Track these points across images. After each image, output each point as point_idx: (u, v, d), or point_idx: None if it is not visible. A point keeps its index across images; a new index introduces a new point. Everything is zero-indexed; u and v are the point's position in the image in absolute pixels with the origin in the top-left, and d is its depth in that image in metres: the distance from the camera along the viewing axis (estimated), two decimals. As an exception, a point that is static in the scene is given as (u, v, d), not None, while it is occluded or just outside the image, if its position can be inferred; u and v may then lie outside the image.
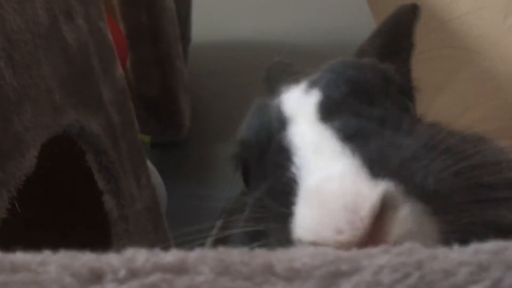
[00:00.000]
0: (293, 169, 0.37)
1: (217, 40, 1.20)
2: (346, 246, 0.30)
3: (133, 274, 0.18)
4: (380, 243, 0.29)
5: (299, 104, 0.42)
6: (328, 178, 0.34)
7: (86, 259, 0.19)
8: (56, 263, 0.18)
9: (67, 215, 0.70)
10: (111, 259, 0.19)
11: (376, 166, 0.33)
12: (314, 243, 0.32)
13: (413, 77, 0.53)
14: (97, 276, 0.18)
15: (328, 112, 0.39)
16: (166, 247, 0.59)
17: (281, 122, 0.41)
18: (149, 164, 0.84)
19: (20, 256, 0.19)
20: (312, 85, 0.43)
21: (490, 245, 0.18)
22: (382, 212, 0.31)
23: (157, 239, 0.79)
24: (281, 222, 0.35)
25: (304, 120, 0.40)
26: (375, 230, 0.31)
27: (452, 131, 0.39)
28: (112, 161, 0.64)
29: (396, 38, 0.52)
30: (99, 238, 0.67)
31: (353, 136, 0.36)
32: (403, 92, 0.45)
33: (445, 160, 0.34)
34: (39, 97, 0.48)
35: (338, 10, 1.21)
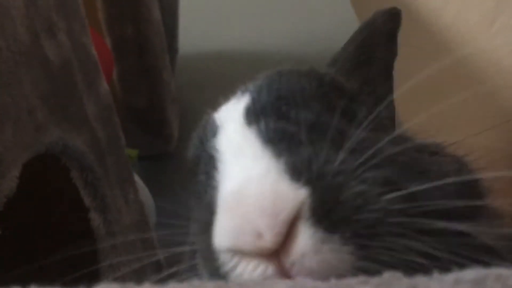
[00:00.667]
0: (216, 176, 0.35)
1: (204, 51, 1.20)
2: (265, 252, 0.30)
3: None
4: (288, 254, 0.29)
5: (229, 112, 0.41)
6: (246, 180, 0.33)
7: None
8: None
9: (52, 232, 0.69)
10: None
11: (296, 171, 0.32)
12: (233, 250, 0.31)
13: (392, 85, 0.51)
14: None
15: (254, 117, 0.38)
16: (155, 263, 0.58)
17: (213, 132, 0.40)
18: (136, 178, 0.83)
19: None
20: (243, 93, 0.41)
21: (470, 274, 0.18)
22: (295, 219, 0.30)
23: (146, 253, 0.78)
24: (203, 233, 0.34)
25: (231, 125, 0.39)
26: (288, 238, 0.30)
27: (398, 140, 0.37)
28: (98, 177, 0.63)
29: (370, 46, 0.49)
30: (86, 255, 0.67)
31: (275, 139, 0.35)
32: (355, 100, 0.42)
33: (366, 181, 0.32)
34: (20, 116, 0.48)
35: (325, 18, 1.21)
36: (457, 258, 0.30)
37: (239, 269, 0.31)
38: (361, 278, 0.18)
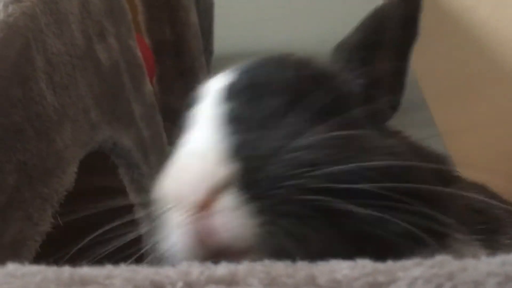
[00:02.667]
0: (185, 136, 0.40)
1: (239, 52, 1.22)
2: (187, 205, 0.34)
3: (189, 286, 0.20)
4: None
5: (212, 86, 0.44)
6: (195, 149, 0.39)
7: (146, 272, 0.21)
8: (120, 276, 0.21)
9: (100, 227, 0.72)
10: (169, 272, 0.21)
11: (236, 150, 0.36)
12: (164, 199, 0.36)
13: (406, 68, 0.52)
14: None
15: (225, 97, 0.41)
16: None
17: (196, 99, 0.44)
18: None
19: (87, 271, 0.21)
20: (230, 72, 0.45)
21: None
22: (217, 192, 0.35)
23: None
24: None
25: (207, 99, 0.43)
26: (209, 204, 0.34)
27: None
28: (143, 174, 0.67)
29: (378, 30, 0.50)
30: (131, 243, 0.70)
31: (232, 121, 0.39)
32: (341, 89, 0.44)
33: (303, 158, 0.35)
34: (77, 116, 0.51)
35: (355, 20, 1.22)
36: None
37: (166, 216, 0.36)
38: (416, 260, 0.20)
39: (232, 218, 0.34)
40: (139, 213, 0.43)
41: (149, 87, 0.69)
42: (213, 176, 0.35)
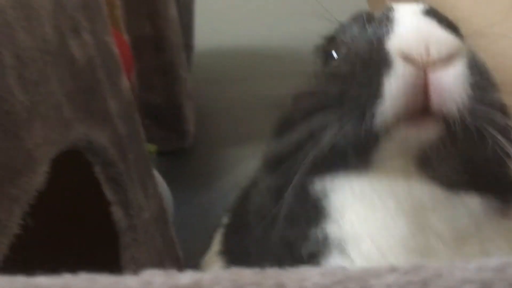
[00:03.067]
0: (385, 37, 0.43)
1: (221, 47, 1.21)
2: (424, 65, 0.39)
3: (151, 296, 0.19)
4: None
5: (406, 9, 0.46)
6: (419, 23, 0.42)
7: (105, 282, 0.20)
8: (77, 286, 0.19)
9: (76, 227, 0.71)
10: (129, 282, 0.20)
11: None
12: (405, 56, 0.40)
13: None
14: (117, 299, 0.19)
15: (428, 13, 0.45)
16: (173, 257, 0.60)
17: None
18: (155, 173, 0.85)
19: (43, 280, 0.20)
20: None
21: (493, 262, 0.19)
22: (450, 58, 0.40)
23: (165, 247, 0.80)
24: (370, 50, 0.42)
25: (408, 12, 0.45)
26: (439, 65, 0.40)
27: None
28: (120, 172, 0.65)
29: None
30: (107, 248, 0.68)
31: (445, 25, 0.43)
32: None
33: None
34: (49, 113, 0.49)
35: (341, 14, 1.21)
36: None
37: (398, 67, 0.39)
38: (389, 266, 0.20)
39: (453, 86, 0.40)
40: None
41: (126, 83, 0.68)
42: (453, 42, 0.41)
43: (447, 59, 0.40)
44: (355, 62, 0.43)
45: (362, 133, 0.40)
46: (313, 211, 0.43)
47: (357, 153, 0.42)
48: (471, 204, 0.41)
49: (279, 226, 0.43)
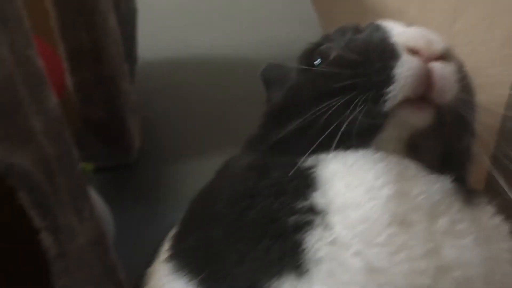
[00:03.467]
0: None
1: (165, 58, 1.17)
2: (428, 57, 0.46)
3: None
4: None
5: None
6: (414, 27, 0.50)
7: None
8: None
9: (2, 259, 0.66)
10: None
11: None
12: (410, 49, 0.46)
13: None
14: None
15: None
16: (114, 282, 0.56)
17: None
18: (93, 194, 0.80)
19: None
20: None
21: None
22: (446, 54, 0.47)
23: (104, 272, 0.75)
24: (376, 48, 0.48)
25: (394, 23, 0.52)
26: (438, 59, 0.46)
27: None
28: (47, 196, 0.60)
29: None
30: (38, 277, 0.64)
31: None
32: None
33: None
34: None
35: (284, 22, 1.20)
36: None
37: (406, 57, 0.46)
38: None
39: (449, 77, 0.46)
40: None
41: (53, 100, 0.63)
42: (448, 44, 0.48)
43: (445, 54, 0.47)
44: (364, 53, 0.48)
45: (373, 116, 0.45)
46: (301, 183, 0.44)
47: (363, 133, 0.46)
48: (444, 184, 0.46)
49: (262, 202, 0.43)
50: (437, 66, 0.46)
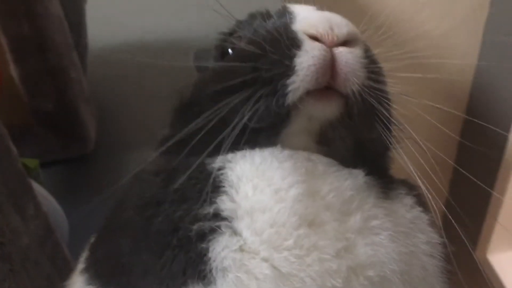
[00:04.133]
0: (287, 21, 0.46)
1: (119, 44, 1.14)
2: (330, 43, 0.43)
3: None
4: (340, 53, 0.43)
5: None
6: (320, 11, 0.47)
7: None
8: None
9: None
10: None
11: None
12: (312, 35, 0.43)
13: None
14: None
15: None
16: (67, 278, 0.53)
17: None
18: (41, 189, 0.77)
19: None
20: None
21: None
22: (352, 39, 0.44)
23: (55, 269, 0.73)
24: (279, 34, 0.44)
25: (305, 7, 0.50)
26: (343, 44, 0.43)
27: None
28: (-20, 197, 0.58)
29: None
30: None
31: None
32: None
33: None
34: None
35: (235, 7, 1.17)
36: None
37: (307, 45, 0.43)
38: None
39: (354, 64, 0.43)
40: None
41: (-16, 96, 0.60)
42: (352, 27, 0.45)
43: (349, 40, 0.44)
44: (263, 44, 0.44)
45: (276, 110, 0.42)
46: (205, 188, 0.41)
47: (267, 129, 0.44)
48: (357, 179, 0.43)
49: (167, 209, 0.40)
50: (340, 52, 0.43)
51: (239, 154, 0.43)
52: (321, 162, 0.44)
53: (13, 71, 0.92)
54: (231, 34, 0.53)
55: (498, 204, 1.90)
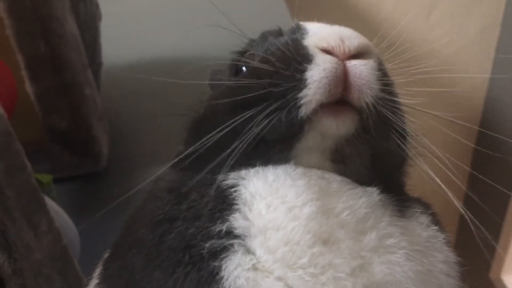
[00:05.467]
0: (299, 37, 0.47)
1: (133, 62, 1.15)
2: (342, 55, 0.43)
3: None
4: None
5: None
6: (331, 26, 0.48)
7: None
8: None
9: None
10: None
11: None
12: (323, 49, 0.43)
13: None
14: None
15: None
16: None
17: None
18: (53, 205, 0.78)
19: None
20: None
21: None
22: (364, 52, 0.45)
23: (67, 285, 0.73)
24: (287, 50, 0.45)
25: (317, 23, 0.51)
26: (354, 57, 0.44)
27: None
28: (-6, 212, 0.58)
29: None
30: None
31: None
32: None
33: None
34: None
35: (256, 23, 1.18)
36: None
37: (318, 59, 0.43)
38: None
39: (368, 76, 0.43)
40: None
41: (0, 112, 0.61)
42: (364, 40, 0.45)
43: (361, 53, 0.44)
44: (274, 61, 0.45)
45: (289, 124, 0.43)
46: (218, 205, 0.41)
47: (280, 145, 0.44)
48: (372, 196, 0.43)
49: (179, 226, 0.41)
50: (352, 65, 0.43)
51: (252, 171, 0.43)
52: (335, 180, 0.44)
53: (28, 88, 0.93)
54: (244, 52, 0.54)
55: (512, 224, 1.88)
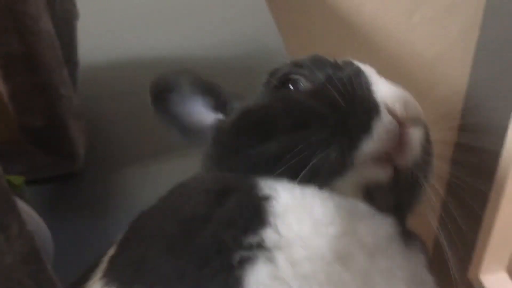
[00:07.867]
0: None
1: (110, 61, 1.13)
2: (403, 121, 0.49)
3: None
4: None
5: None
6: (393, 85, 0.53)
7: None
8: None
9: None
10: None
11: None
12: (389, 109, 0.49)
13: None
14: None
15: None
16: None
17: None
18: (26, 207, 0.76)
19: None
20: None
21: None
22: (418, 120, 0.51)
23: (40, 290, 0.71)
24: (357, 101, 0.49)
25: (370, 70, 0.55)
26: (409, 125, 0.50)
27: None
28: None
29: None
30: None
31: None
32: None
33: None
34: None
35: (235, 24, 1.17)
36: None
37: (384, 116, 0.48)
38: None
39: (416, 143, 0.49)
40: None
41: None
42: (419, 108, 0.51)
43: (416, 120, 0.50)
44: (345, 98, 0.49)
45: (341, 160, 0.47)
46: (253, 216, 0.43)
47: (325, 173, 0.48)
48: (387, 223, 0.48)
49: (213, 228, 0.42)
50: (409, 131, 0.49)
51: (288, 185, 0.46)
52: (361, 206, 0.48)
53: (2, 87, 0.91)
54: (290, 71, 0.56)
55: (490, 225, 1.90)
